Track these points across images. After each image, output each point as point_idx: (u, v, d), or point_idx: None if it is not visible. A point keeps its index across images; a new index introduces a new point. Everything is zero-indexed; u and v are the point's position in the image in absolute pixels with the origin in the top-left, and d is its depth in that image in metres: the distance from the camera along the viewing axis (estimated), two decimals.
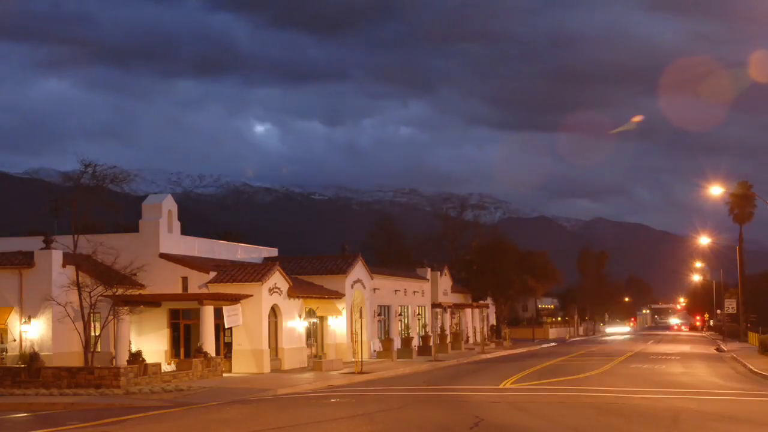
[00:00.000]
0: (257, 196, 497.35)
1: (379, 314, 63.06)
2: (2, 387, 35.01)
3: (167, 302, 45.41)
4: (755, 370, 43.71)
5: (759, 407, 27.65)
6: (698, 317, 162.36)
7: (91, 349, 38.74)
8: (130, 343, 43.39)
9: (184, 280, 46.09)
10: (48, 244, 42.31)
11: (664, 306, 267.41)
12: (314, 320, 52.45)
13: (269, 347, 45.78)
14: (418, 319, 70.26)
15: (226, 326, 44.14)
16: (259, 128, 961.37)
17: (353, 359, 49.43)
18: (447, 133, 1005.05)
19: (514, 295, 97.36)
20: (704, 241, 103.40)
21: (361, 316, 52.77)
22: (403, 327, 65.07)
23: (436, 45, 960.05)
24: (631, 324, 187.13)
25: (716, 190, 63.01)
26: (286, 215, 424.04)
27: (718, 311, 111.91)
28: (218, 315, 43.71)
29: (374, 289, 60.23)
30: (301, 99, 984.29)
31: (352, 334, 53.76)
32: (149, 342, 45.19)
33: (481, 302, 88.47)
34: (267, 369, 44.61)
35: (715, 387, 35.34)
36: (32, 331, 41.54)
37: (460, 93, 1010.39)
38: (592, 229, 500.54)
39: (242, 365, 44.50)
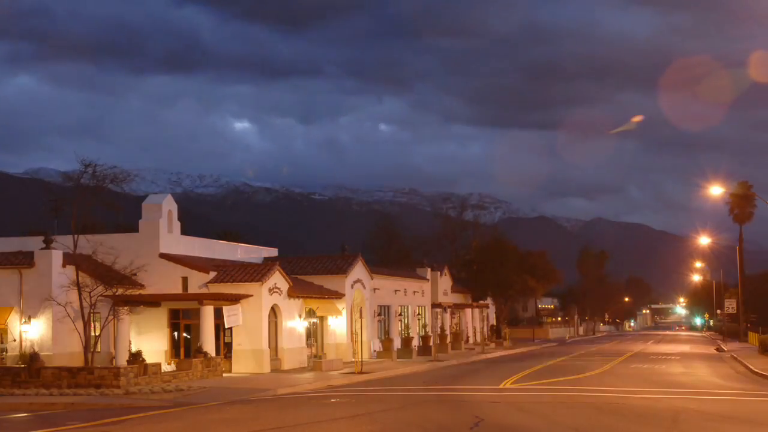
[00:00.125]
0: (257, 196, 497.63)
1: (379, 314, 63.06)
2: (2, 387, 35.00)
3: (167, 302, 45.41)
4: (755, 370, 43.71)
5: (759, 407, 27.65)
6: None
7: (91, 349, 38.74)
8: (130, 343, 43.39)
9: (184, 280, 46.09)
10: (48, 244, 42.31)
11: (664, 306, 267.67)
12: (314, 320, 52.45)
13: (269, 347, 45.78)
14: (418, 319, 70.25)
15: (226, 326, 44.15)
16: (238, 125, 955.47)
17: (353, 359, 49.43)
18: (427, 130, 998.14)
19: (514, 295, 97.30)
20: (704, 241, 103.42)
21: (361, 316, 52.77)
22: (403, 327, 65.07)
23: (408, 40, 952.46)
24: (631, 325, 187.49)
25: (716, 190, 62.98)
26: (286, 215, 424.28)
27: (718, 311, 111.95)
28: (218, 315, 43.71)
29: (374, 289, 60.24)
30: (274, 95, 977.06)
31: (352, 334, 53.78)
32: (149, 342, 45.19)
33: (481, 302, 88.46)
34: (267, 369, 44.60)
35: (715, 387, 35.34)
36: (32, 331, 41.52)
37: (436, 89, 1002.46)
38: (592, 229, 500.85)
39: (242, 365, 44.50)
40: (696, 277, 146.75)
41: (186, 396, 32.50)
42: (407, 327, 65.36)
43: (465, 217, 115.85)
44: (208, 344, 42.50)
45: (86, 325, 38.63)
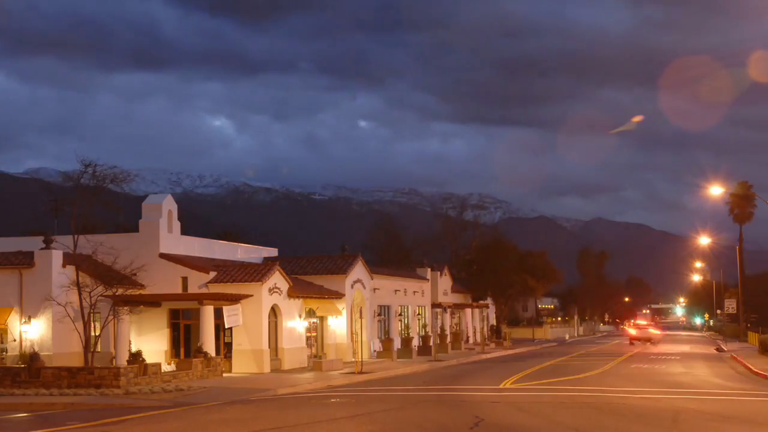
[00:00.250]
0: (257, 196, 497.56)
1: (379, 314, 63.07)
2: (2, 387, 35.00)
3: (167, 302, 45.42)
4: (755, 370, 43.71)
5: (759, 407, 27.65)
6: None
7: (91, 349, 38.73)
8: (130, 343, 43.40)
9: (184, 280, 46.10)
10: (48, 244, 42.31)
11: (664, 306, 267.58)
12: (314, 320, 52.45)
13: (269, 347, 45.78)
14: (418, 319, 70.26)
15: (226, 326, 44.15)
16: (217, 123, 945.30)
17: (353, 359, 49.44)
18: (407, 127, 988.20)
19: (514, 295, 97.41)
20: (704, 241, 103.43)
21: (361, 316, 52.78)
22: (403, 327, 65.07)
23: (376, 34, 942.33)
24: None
25: (716, 190, 62.99)
26: (286, 215, 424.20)
27: (718, 311, 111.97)
28: (218, 315, 43.71)
29: (374, 289, 60.24)
30: (245, 92, 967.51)
31: (352, 334, 53.78)
32: (149, 342, 45.21)
33: (481, 302, 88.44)
34: (267, 369, 44.61)
35: (715, 387, 35.34)
36: (32, 331, 41.53)
37: (410, 86, 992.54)
38: (592, 229, 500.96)
39: (242, 365, 44.50)
40: (696, 277, 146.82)
41: (186, 396, 32.51)
42: (407, 327, 65.36)
43: (465, 217, 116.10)
44: (208, 344, 42.50)
45: (86, 325, 38.63)
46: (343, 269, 55.38)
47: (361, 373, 43.43)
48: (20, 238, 52.02)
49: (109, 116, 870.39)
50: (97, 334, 40.86)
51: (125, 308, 42.62)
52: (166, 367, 40.12)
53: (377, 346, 59.42)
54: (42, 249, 42.15)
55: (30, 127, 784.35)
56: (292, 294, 48.08)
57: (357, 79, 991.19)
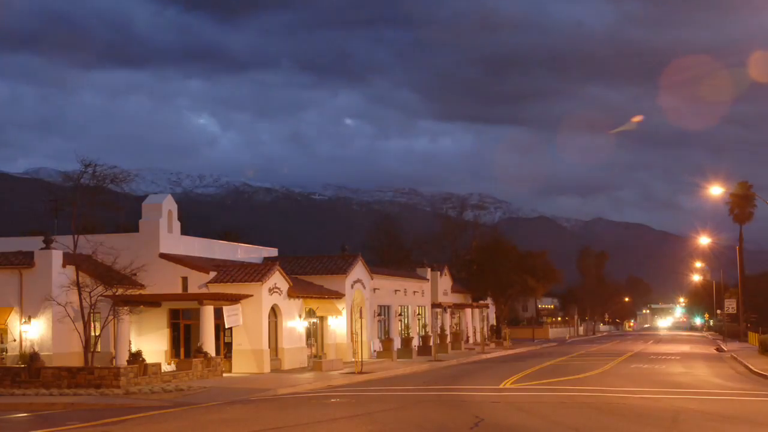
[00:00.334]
0: (257, 196, 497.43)
1: (379, 314, 63.08)
2: (2, 387, 34.99)
3: (167, 302, 45.42)
4: (755, 370, 43.71)
5: (759, 407, 27.64)
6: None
7: (91, 349, 38.72)
8: (130, 343, 43.39)
9: (184, 280, 46.10)
10: (48, 244, 42.31)
11: (664, 306, 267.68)
12: (314, 320, 52.45)
13: (269, 347, 45.78)
14: (418, 319, 70.26)
15: (226, 326, 44.15)
16: (200, 121, 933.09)
17: (353, 359, 49.43)
18: (392, 125, 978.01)
19: (514, 295, 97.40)
20: (704, 241, 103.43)
21: (361, 316, 52.78)
22: (403, 327, 65.08)
23: (357, 31, 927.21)
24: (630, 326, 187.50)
25: (716, 190, 62.99)
26: (286, 215, 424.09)
27: (718, 311, 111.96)
28: (218, 315, 43.71)
29: (374, 289, 60.25)
30: (225, 89, 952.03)
31: (352, 334, 53.78)
32: (149, 342, 45.21)
33: (481, 302, 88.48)
34: (267, 369, 44.61)
35: (715, 387, 35.34)
36: (32, 331, 41.54)
37: (392, 83, 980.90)
38: (592, 229, 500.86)
39: (242, 365, 44.50)
40: (696, 277, 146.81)
41: (186, 396, 32.51)
42: (407, 327, 65.37)
43: (465, 217, 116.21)
44: (208, 344, 42.50)
45: (86, 325, 38.63)
46: (343, 269, 55.39)
47: (361, 373, 43.43)
48: (20, 238, 52.04)
49: (90, 114, 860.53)
50: (97, 334, 40.86)
51: (125, 308, 42.61)
52: (166, 367, 40.12)
53: (377, 346, 59.42)
54: (42, 249, 42.15)
55: (9, 125, 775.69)
56: (292, 294, 48.08)
57: (338, 77, 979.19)
